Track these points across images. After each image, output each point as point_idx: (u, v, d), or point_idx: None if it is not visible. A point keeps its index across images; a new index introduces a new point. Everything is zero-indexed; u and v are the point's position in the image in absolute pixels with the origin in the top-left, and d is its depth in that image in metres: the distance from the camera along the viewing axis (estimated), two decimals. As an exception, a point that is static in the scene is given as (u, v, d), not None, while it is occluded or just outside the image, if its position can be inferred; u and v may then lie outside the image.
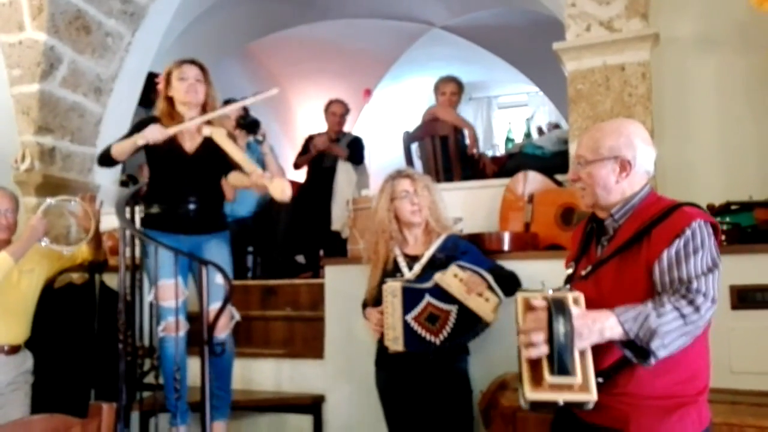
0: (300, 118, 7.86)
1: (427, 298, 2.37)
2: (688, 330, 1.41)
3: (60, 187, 3.79)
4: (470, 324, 2.35)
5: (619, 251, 1.57)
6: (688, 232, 1.48)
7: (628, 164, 1.62)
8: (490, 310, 2.32)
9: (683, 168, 3.01)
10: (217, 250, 2.78)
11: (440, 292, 2.35)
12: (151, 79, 4.58)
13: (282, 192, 2.57)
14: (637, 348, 1.42)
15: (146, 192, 2.89)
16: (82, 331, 3.13)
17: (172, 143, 2.78)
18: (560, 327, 1.33)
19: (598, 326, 1.39)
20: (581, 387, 1.35)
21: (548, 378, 1.33)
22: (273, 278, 4.00)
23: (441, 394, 2.40)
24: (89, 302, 3.16)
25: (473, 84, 8.20)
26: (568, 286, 1.60)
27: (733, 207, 2.69)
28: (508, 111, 8.91)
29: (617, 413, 1.49)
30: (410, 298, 2.37)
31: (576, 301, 1.42)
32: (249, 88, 6.85)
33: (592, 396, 1.36)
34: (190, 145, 2.81)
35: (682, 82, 3.10)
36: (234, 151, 2.72)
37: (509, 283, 2.41)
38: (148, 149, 2.78)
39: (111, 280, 3.12)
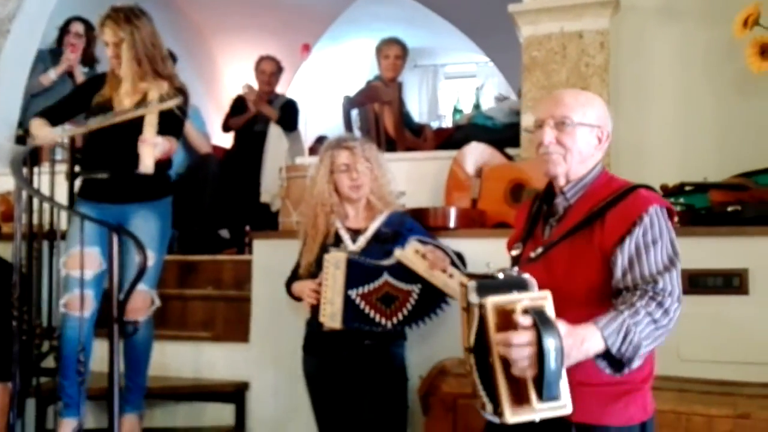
0: (227, 77, 7.65)
1: (386, 277, 2.35)
2: (659, 334, 1.44)
3: (-56, 143, 3.57)
4: (432, 303, 2.36)
5: (571, 233, 1.58)
6: (647, 220, 1.51)
7: (606, 137, 1.66)
8: (456, 286, 2.32)
9: (638, 145, 3.09)
10: (143, 222, 2.67)
11: (401, 271, 2.34)
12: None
13: (141, 161, 2.49)
14: (612, 359, 1.43)
15: (84, 155, 2.77)
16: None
17: (106, 104, 2.67)
18: (552, 352, 1.28)
19: (585, 346, 1.39)
20: (561, 406, 1.34)
21: (536, 404, 1.31)
22: (193, 253, 3.91)
23: (374, 380, 2.40)
24: (-22, 275, 3.00)
25: (419, 50, 8.17)
26: (516, 269, 1.61)
27: (687, 188, 2.77)
28: (455, 81, 8.96)
29: None
30: (361, 273, 2.34)
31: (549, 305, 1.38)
32: (169, 42, 6.60)
33: (568, 411, 1.35)
34: (127, 104, 2.68)
35: (640, 53, 3.17)
36: (149, 111, 2.60)
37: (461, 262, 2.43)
38: (83, 107, 2.69)
39: (4, 250, 2.96)
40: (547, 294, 1.38)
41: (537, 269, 1.57)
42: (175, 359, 3.21)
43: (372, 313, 2.34)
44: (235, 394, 3.09)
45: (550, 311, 1.36)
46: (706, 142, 3.05)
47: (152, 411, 3.09)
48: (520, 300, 1.35)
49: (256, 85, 4.76)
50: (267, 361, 3.07)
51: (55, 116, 2.73)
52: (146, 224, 2.68)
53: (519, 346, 1.30)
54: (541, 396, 1.30)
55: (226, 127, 4.83)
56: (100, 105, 2.69)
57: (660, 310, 1.44)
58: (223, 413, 3.11)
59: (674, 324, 1.46)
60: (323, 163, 2.52)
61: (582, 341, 1.38)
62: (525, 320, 1.32)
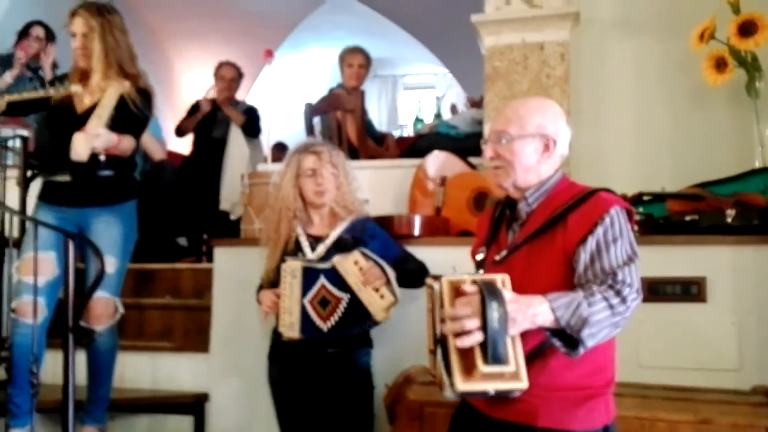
0: (185, 84, 7.55)
1: (322, 280, 2.34)
2: (616, 321, 1.45)
3: None
4: (359, 317, 2.32)
5: (534, 236, 1.60)
6: (607, 220, 1.53)
7: (553, 144, 1.66)
8: (381, 308, 2.31)
9: (597, 155, 3.14)
10: (104, 227, 2.58)
11: (336, 277, 2.33)
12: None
13: (72, 148, 2.43)
14: (565, 337, 1.44)
15: (45, 157, 2.70)
16: None
17: (65, 100, 2.60)
18: (494, 312, 1.33)
19: (531, 312, 1.41)
20: (513, 375, 1.35)
21: (482, 368, 1.32)
22: (150, 261, 3.82)
23: (340, 389, 2.37)
24: None
25: (379, 60, 8.18)
26: (481, 272, 1.61)
27: (646, 198, 2.83)
28: (414, 92, 9.00)
29: (526, 406, 1.51)
30: (308, 278, 2.34)
31: (503, 284, 1.43)
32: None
33: (523, 384, 1.37)
34: (87, 102, 2.61)
35: (599, 65, 3.22)
36: (101, 107, 2.54)
37: (418, 277, 2.39)
38: (44, 105, 2.63)
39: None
40: (505, 276, 1.44)
41: (501, 272, 1.57)
42: (132, 370, 3.13)
43: (314, 316, 2.33)
44: (194, 405, 3.02)
45: (501, 286, 1.41)
46: (662, 153, 3.11)
47: (108, 423, 2.99)
48: (471, 275, 1.44)
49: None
50: (227, 372, 3.01)
51: (15, 110, 2.66)
52: (108, 229, 2.60)
53: (463, 307, 1.38)
54: (486, 359, 1.33)
55: (179, 131, 4.74)
56: (58, 103, 2.61)
57: (617, 297, 1.46)
58: (181, 426, 3.03)
59: (632, 313, 1.47)
60: (290, 167, 2.49)
61: (528, 307, 1.41)
62: (470, 288, 1.40)
